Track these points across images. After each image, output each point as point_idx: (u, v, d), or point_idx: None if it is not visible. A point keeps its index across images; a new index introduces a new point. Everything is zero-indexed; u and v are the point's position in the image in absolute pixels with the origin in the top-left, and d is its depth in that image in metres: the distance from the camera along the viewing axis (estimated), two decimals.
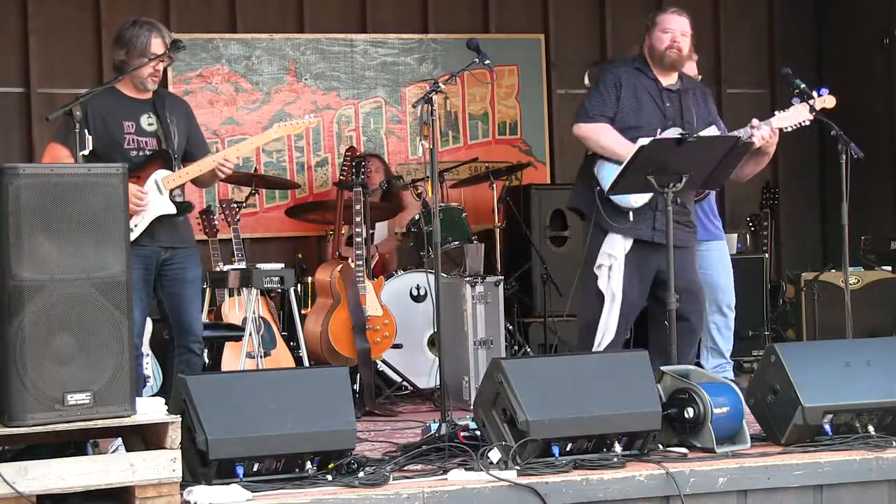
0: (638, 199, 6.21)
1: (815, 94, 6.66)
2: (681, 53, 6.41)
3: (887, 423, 5.44)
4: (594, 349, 6.19)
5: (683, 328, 6.22)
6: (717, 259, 7.06)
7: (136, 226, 5.73)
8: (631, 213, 6.22)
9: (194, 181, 6.04)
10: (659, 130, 6.24)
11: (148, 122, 5.91)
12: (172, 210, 5.86)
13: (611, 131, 6.28)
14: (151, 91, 5.93)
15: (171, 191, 5.86)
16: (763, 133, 6.29)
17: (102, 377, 4.46)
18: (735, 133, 6.25)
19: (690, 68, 7.02)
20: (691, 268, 6.41)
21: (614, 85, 6.37)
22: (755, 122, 6.33)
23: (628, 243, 6.26)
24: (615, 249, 6.24)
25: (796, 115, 6.45)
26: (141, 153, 5.87)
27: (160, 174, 5.84)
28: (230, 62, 8.73)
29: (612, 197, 6.17)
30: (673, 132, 6.19)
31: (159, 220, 5.84)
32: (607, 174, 6.22)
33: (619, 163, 6.07)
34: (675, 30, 6.40)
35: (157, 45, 5.85)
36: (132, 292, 5.67)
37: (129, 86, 5.92)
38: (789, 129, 6.51)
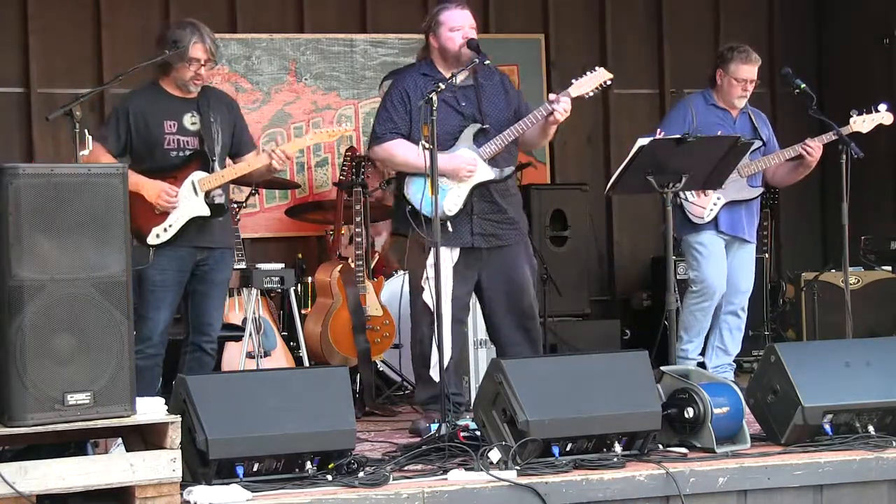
0: (451, 207, 6.01)
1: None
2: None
3: (887, 423, 5.45)
4: (432, 367, 5.99)
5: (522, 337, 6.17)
6: (745, 260, 7.02)
7: (170, 226, 5.79)
8: (449, 224, 5.98)
9: (242, 181, 6.02)
10: (459, 131, 6.06)
11: (191, 121, 5.93)
12: (206, 212, 5.87)
13: (403, 145, 6.05)
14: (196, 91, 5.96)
15: (209, 192, 5.87)
16: (563, 107, 5.96)
17: (102, 377, 4.46)
18: (536, 111, 6.00)
19: (750, 72, 6.86)
20: (514, 267, 6.18)
21: (401, 99, 6.10)
22: (552, 96, 6.06)
23: (455, 253, 6.08)
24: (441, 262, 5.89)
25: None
26: (181, 153, 5.89)
27: (197, 175, 5.86)
28: (230, 62, 8.72)
29: (424, 211, 5.87)
30: (472, 129, 6.05)
31: (194, 221, 5.86)
32: (415, 190, 5.98)
33: (424, 175, 5.80)
34: (464, 25, 6.08)
35: (197, 50, 5.85)
36: (154, 293, 5.78)
37: (173, 85, 5.93)
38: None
